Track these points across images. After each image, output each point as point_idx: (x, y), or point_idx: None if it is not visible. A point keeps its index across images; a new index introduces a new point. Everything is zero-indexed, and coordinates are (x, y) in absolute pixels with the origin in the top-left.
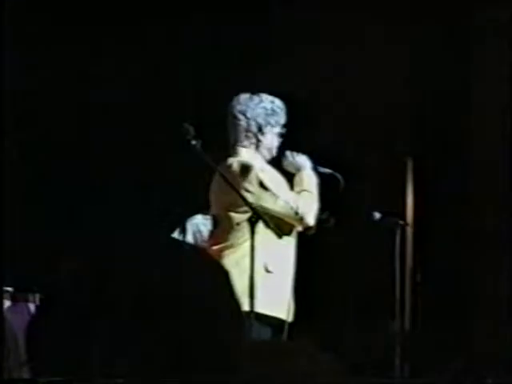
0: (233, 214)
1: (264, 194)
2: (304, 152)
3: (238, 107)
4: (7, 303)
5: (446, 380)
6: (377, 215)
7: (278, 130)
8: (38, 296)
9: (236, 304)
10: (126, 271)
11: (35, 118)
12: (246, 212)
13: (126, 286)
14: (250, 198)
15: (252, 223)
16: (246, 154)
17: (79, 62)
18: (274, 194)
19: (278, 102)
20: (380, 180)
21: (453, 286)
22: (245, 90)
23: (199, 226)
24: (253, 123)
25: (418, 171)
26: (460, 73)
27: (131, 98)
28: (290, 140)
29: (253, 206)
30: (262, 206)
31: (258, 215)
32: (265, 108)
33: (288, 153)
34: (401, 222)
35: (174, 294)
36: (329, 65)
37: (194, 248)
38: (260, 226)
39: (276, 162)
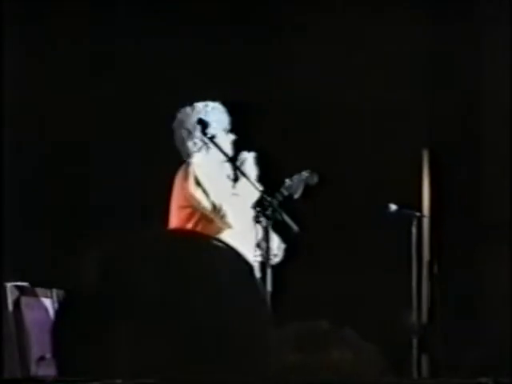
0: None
1: (198, 192)
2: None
3: (185, 118)
4: (25, 299)
5: (464, 376)
6: (393, 207)
7: (223, 127)
8: (54, 291)
9: (263, 298)
10: (147, 267)
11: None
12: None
13: (146, 282)
14: (187, 195)
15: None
16: (196, 158)
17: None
18: (205, 193)
19: (217, 105)
20: (396, 172)
21: (470, 277)
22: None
23: None
24: (201, 127)
25: (434, 163)
26: (474, 65)
27: (133, 93)
28: (308, 132)
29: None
30: (198, 203)
31: (274, 208)
32: (202, 111)
33: (247, 154)
34: (417, 214)
35: (198, 290)
36: (349, 55)
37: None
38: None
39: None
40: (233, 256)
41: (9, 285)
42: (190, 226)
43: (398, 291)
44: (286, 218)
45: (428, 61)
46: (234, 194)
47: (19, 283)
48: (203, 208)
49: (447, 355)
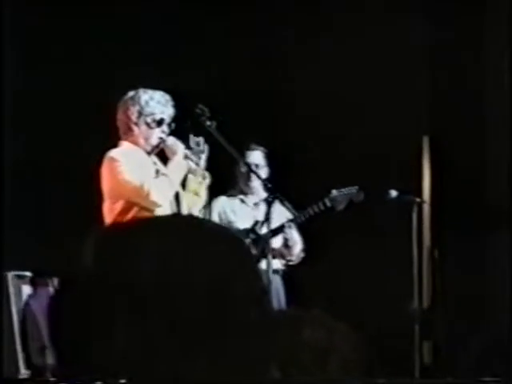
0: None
1: (115, 178)
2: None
3: (119, 104)
4: (27, 288)
5: (466, 361)
6: (393, 193)
7: (154, 118)
8: (56, 280)
9: (261, 285)
10: (147, 257)
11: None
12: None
13: (146, 273)
14: (105, 184)
15: (269, 203)
16: (120, 145)
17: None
18: (123, 177)
19: (153, 93)
20: (397, 158)
21: (471, 262)
22: None
23: (224, 206)
24: (123, 115)
25: (434, 149)
26: (475, 52)
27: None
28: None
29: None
30: (118, 191)
31: (275, 196)
32: (132, 99)
33: (167, 139)
34: (418, 200)
35: (196, 278)
36: (353, 44)
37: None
38: None
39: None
40: (232, 241)
41: (10, 274)
42: (114, 217)
43: (398, 277)
44: (288, 205)
45: (429, 48)
46: (163, 174)
47: (21, 272)
48: (125, 193)
49: (449, 341)
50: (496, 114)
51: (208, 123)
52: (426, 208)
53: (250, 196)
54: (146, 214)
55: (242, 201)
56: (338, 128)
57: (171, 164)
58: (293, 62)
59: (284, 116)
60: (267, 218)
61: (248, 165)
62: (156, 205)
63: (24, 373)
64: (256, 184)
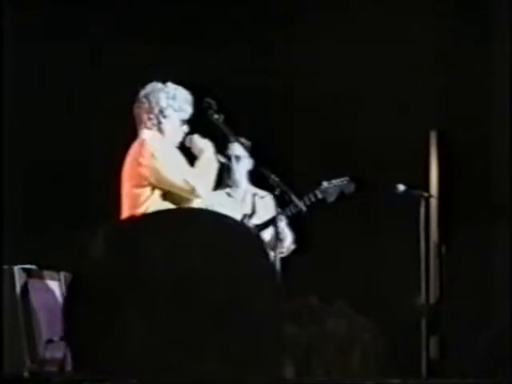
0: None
1: (157, 165)
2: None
3: (143, 92)
4: (33, 281)
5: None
6: (401, 187)
7: (181, 115)
8: (62, 274)
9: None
10: (159, 250)
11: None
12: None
13: (158, 267)
14: (144, 170)
15: (276, 196)
16: (147, 134)
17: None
18: (165, 165)
19: (182, 90)
20: (404, 153)
21: (478, 257)
22: None
23: (212, 200)
24: (154, 106)
25: (441, 144)
26: (482, 47)
27: None
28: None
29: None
30: (155, 178)
31: (283, 189)
32: (167, 92)
33: (193, 136)
34: (425, 194)
35: (209, 271)
36: (363, 40)
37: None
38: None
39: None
40: (244, 234)
41: (16, 268)
42: (147, 204)
43: (406, 271)
44: (294, 198)
45: (437, 44)
46: (198, 167)
47: (27, 266)
48: (167, 183)
49: (456, 336)
50: (503, 109)
51: (216, 116)
52: (434, 202)
53: (235, 189)
54: (183, 203)
55: (229, 194)
56: (346, 123)
57: (201, 160)
58: (304, 59)
59: (294, 112)
60: (277, 213)
61: (255, 159)
62: (198, 197)
63: (29, 366)
64: (238, 176)
